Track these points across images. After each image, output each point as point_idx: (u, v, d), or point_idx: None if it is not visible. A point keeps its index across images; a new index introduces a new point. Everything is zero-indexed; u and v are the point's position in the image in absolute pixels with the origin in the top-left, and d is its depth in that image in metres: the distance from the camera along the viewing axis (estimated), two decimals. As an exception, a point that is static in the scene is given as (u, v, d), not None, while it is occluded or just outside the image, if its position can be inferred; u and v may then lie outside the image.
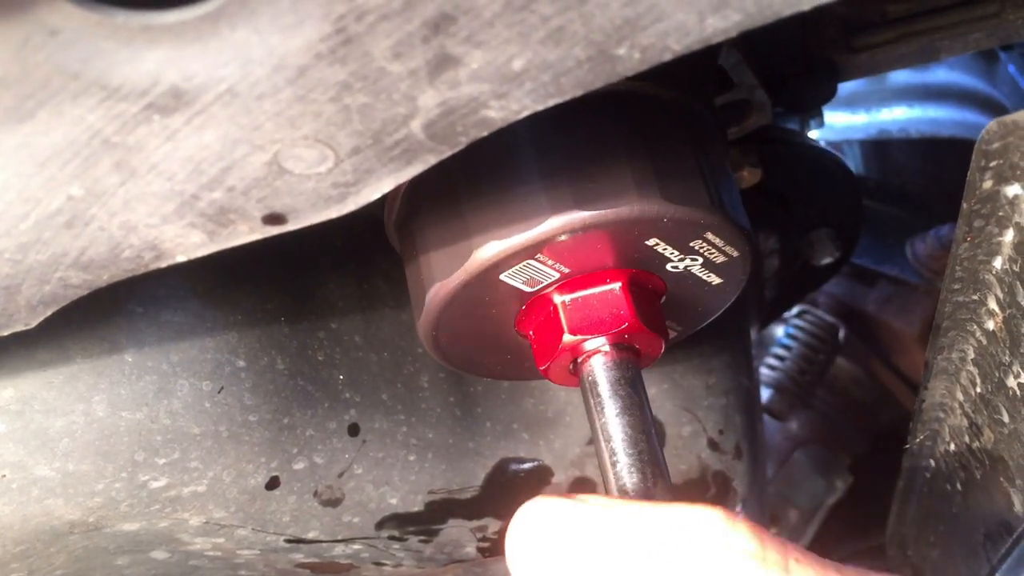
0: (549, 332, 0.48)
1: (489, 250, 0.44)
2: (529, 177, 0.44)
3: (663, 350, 0.49)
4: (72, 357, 0.48)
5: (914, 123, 1.02)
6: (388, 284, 0.61)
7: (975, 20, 0.61)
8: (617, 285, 0.47)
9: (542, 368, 0.48)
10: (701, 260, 0.48)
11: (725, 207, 0.46)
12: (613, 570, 0.34)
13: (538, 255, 0.44)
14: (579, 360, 0.47)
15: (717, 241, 0.47)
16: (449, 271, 0.45)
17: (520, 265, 0.45)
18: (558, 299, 0.47)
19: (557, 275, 0.46)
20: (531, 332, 0.49)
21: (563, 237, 0.43)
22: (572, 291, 0.47)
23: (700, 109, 0.50)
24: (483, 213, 0.45)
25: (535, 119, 0.44)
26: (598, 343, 0.46)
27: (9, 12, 0.25)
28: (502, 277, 0.45)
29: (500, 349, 0.52)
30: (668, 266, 0.47)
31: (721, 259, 0.48)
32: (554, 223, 0.43)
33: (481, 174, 0.45)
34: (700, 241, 0.46)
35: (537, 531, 0.36)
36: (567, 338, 0.47)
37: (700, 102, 0.50)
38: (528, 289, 0.47)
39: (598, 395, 0.46)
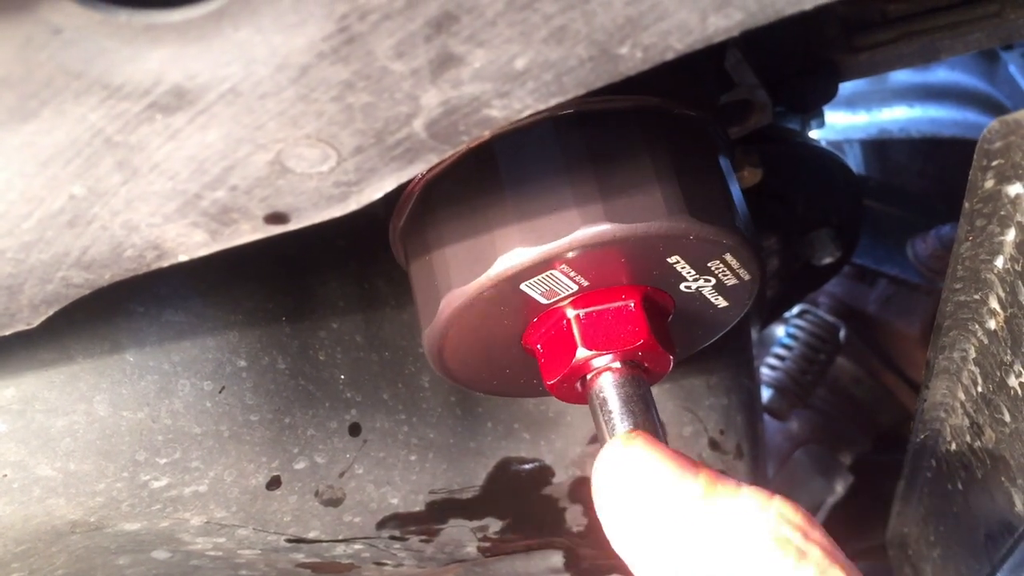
0: (559, 347, 0.47)
1: (514, 257, 0.43)
2: (557, 186, 0.43)
3: (670, 367, 0.48)
4: (74, 357, 0.48)
5: (914, 123, 1.02)
6: (389, 284, 0.61)
7: (976, 20, 0.61)
8: (632, 302, 0.46)
9: (550, 383, 0.48)
10: (714, 281, 0.47)
11: (745, 228, 0.46)
12: (694, 525, 0.37)
13: (561, 266, 0.44)
14: (587, 377, 0.46)
15: (733, 263, 0.46)
16: (468, 277, 0.44)
17: (542, 275, 0.44)
18: (572, 313, 0.47)
19: (575, 288, 0.45)
20: (539, 347, 0.48)
21: (589, 249, 0.43)
22: (586, 306, 0.46)
23: (715, 126, 0.50)
24: (508, 219, 0.44)
25: (561, 128, 0.45)
26: (607, 360, 0.46)
27: (12, 11, 0.25)
28: (522, 287, 0.45)
29: (503, 364, 0.51)
30: (682, 286, 0.47)
31: (733, 281, 0.48)
32: (584, 233, 0.42)
33: (506, 179, 0.45)
34: (718, 262, 0.46)
35: (625, 475, 0.39)
36: (581, 352, 0.46)
37: (714, 117, 0.50)
38: (545, 301, 0.46)
39: (608, 412, 0.45)
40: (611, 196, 0.43)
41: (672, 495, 0.38)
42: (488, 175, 0.45)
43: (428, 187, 0.47)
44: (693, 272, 0.46)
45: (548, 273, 0.44)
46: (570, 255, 0.43)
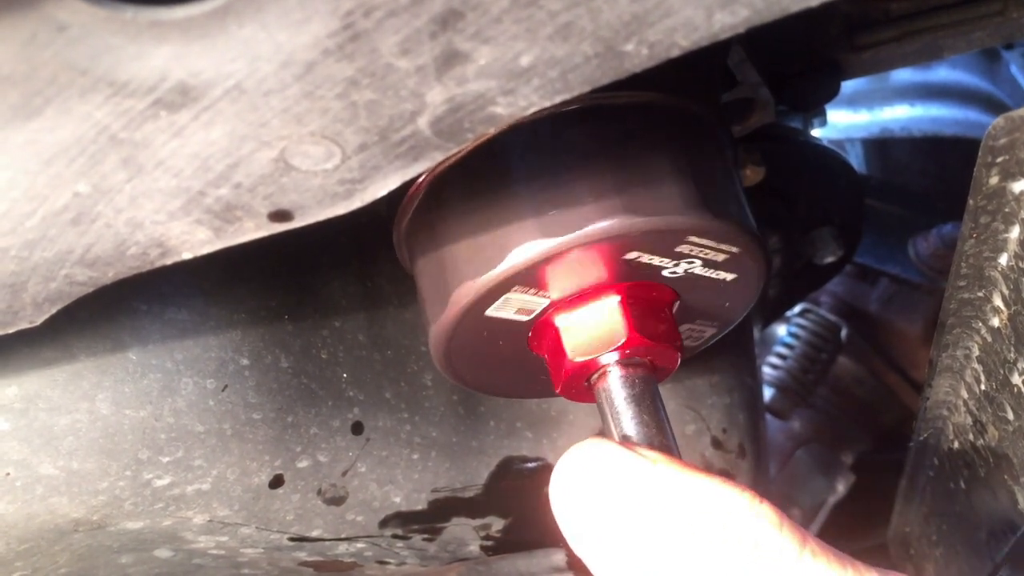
0: (558, 355, 0.47)
1: (464, 292, 0.44)
2: (495, 210, 0.43)
3: (679, 360, 0.48)
4: (76, 355, 0.48)
5: (916, 122, 1.02)
6: (392, 283, 0.61)
7: (978, 18, 0.61)
8: (613, 300, 0.45)
9: (560, 392, 0.48)
10: (700, 261, 0.46)
11: (706, 208, 0.44)
12: (644, 518, 0.36)
13: (514, 287, 0.44)
14: (592, 379, 0.46)
15: (705, 242, 0.45)
16: (438, 313, 0.46)
17: (501, 300, 0.44)
18: (558, 321, 0.46)
19: (547, 301, 0.45)
20: (545, 355, 0.48)
21: (534, 268, 0.42)
22: (570, 310, 0.46)
23: (678, 105, 0.47)
24: (458, 253, 0.45)
25: (495, 151, 0.44)
26: (611, 360, 0.45)
27: (16, 7, 0.25)
28: (488, 313, 0.45)
29: (520, 370, 0.51)
30: (664, 272, 0.46)
31: (722, 257, 0.46)
32: (518, 257, 0.42)
33: (454, 214, 0.45)
34: (685, 245, 0.44)
35: (584, 471, 0.38)
36: (570, 363, 0.46)
37: (685, 98, 0.47)
38: (524, 318, 0.46)
39: (615, 412, 0.44)
40: (544, 209, 0.42)
41: (624, 474, 0.37)
42: (441, 209, 0.46)
43: (411, 224, 0.48)
44: (664, 259, 0.45)
45: (505, 297, 0.44)
46: (519, 276, 0.43)
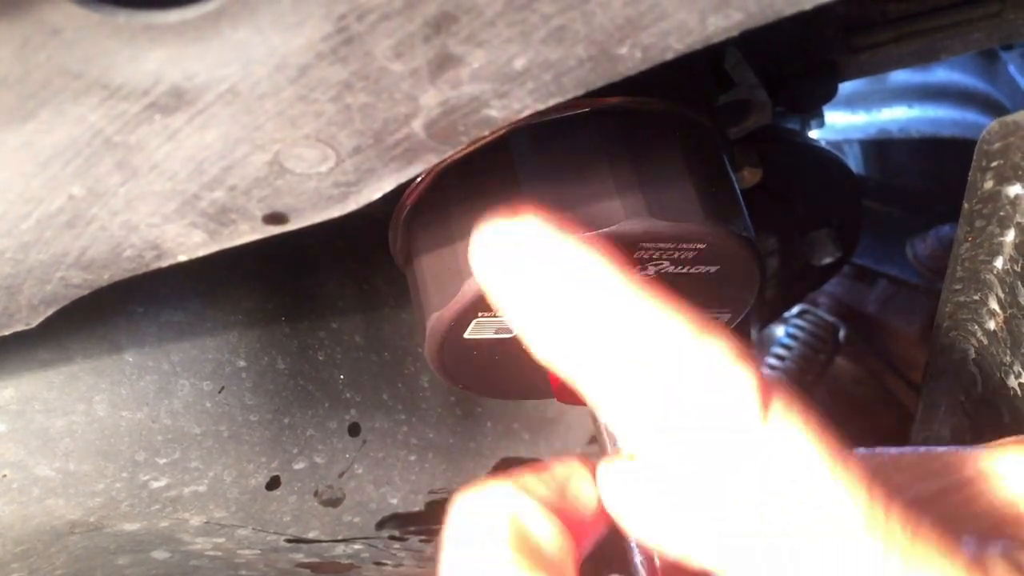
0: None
1: (434, 322, 0.45)
2: (451, 236, 0.44)
3: None
4: (73, 357, 0.48)
5: (914, 123, 1.02)
6: (388, 284, 0.61)
7: (976, 20, 0.61)
8: None
9: (557, 399, 0.48)
10: (667, 262, 0.44)
11: (648, 214, 0.42)
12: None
13: (479, 314, 0.44)
14: None
15: (661, 245, 0.43)
16: (422, 340, 0.47)
17: (472, 325, 0.45)
18: None
19: None
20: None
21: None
22: None
23: (619, 108, 0.44)
24: (428, 280, 0.46)
25: (445, 181, 0.44)
26: None
27: (10, 11, 0.25)
28: (466, 336, 0.45)
29: (525, 375, 0.50)
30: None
31: (690, 254, 0.44)
32: (471, 288, 0.42)
33: (423, 237, 0.46)
34: (642, 251, 0.43)
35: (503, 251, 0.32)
36: (554, 380, 0.45)
37: (628, 99, 0.44)
38: (506, 335, 0.46)
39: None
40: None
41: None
42: (415, 243, 0.47)
43: (401, 233, 0.48)
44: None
45: (475, 323, 0.44)
46: (478, 304, 0.43)
